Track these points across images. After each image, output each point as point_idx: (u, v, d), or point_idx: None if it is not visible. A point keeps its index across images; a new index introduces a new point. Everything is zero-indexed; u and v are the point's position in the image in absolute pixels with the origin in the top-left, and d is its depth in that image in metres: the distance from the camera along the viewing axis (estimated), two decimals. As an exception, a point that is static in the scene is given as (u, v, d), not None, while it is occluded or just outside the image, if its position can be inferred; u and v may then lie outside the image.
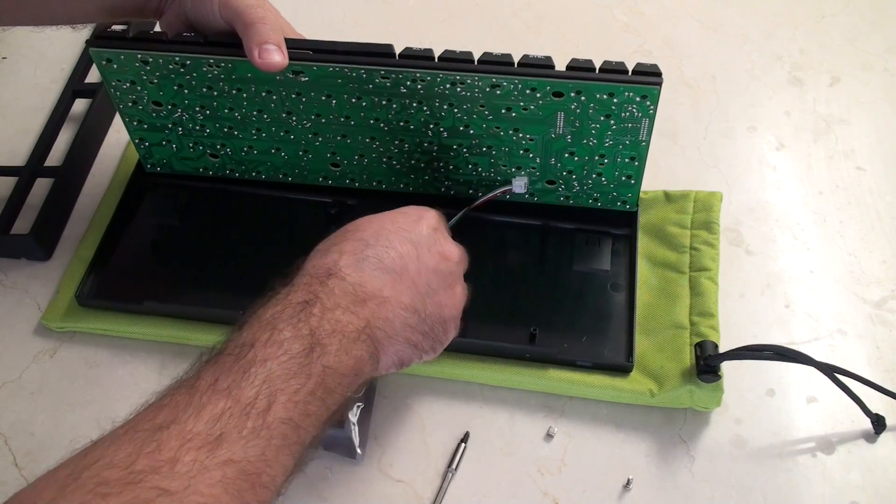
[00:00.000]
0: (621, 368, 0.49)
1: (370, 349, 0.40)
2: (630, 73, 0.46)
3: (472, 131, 0.51)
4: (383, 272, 0.41)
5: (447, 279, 0.44)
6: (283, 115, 0.52)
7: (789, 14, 0.70)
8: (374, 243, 0.42)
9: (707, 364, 0.47)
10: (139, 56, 0.50)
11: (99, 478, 0.31)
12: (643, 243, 0.55)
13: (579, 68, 0.46)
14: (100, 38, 0.50)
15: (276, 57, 0.46)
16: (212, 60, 0.49)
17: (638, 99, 0.46)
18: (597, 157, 0.51)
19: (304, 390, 0.36)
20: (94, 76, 0.68)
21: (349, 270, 0.41)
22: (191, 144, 0.56)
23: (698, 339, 0.49)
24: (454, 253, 0.45)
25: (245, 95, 0.51)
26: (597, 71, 0.46)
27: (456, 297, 0.45)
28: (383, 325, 0.41)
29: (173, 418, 0.33)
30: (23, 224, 0.58)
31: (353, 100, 0.50)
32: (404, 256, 0.42)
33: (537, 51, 0.47)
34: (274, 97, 0.51)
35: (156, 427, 0.33)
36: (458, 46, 0.48)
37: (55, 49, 0.71)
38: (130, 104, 0.53)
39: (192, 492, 0.31)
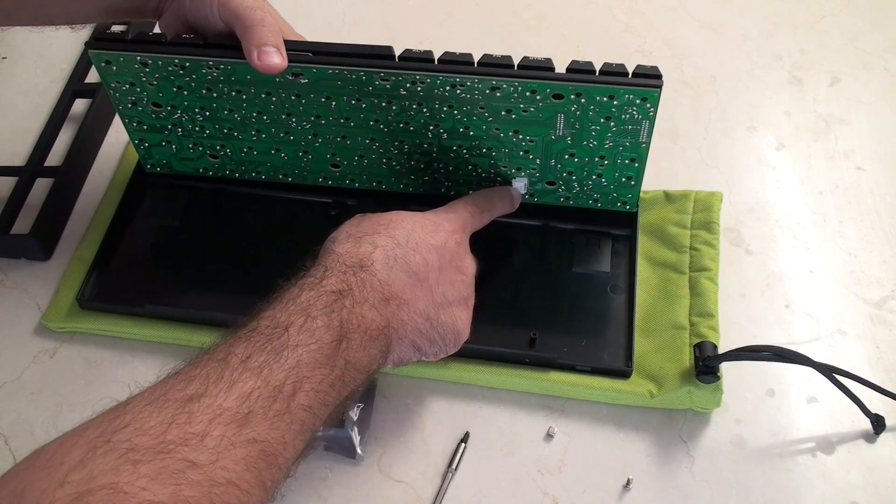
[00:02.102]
0: (620, 373, 0.49)
1: (383, 348, 0.42)
2: (630, 76, 0.46)
3: (471, 133, 0.51)
4: (407, 275, 0.43)
5: (461, 292, 0.45)
6: (283, 116, 0.52)
7: (789, 14, 0.70)
8: (405, 244, 0.43)
9: (706, 365, 0.47)
10: (138, 58, 0.50)
11: (130, 443, 0.31)
12: (643, 243, 0.55)
13: (579, 70, 0.46)
14: (98, 40, 0.50)
15: (276, 59, 0.46)
16: (211, 62, 0.49)
17: (638, 101, 0.46)
18: (597, 159, 0.51)
19: (327, 381, 0.37)
20: (93, 76, 0.68)
21: (380, 266, 0.42)
22: (190, 145, 0.56)
23: (698, 340, 0.49)
24: (470, 268, 0.46)
25: (245, 97, 0.51)
26: (597, 73, 0.46)
27: (468, 309, 0.46)
28: (398, 326, 0.42)
29: (204, 390, 0.34)
30: (23, 224, 0.58)
31: (353, 101, 0.50)
32: (428, 264, 0.43)
33: (537, 51, 0.47)
34: (273, 99, 0.51)
35: (187, 398, 0.33)
36: (458, 47, 0.47)
37: (55, 49, 0.71)
38: (130, 105, 0.53)
39: (219, 467, 0.32)
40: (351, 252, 0.42)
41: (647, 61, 0.46)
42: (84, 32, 0.55)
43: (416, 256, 0.43)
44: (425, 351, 0.44)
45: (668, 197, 0.57)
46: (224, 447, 0.33)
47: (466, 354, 0.50)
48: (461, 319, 0.45)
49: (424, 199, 0.55)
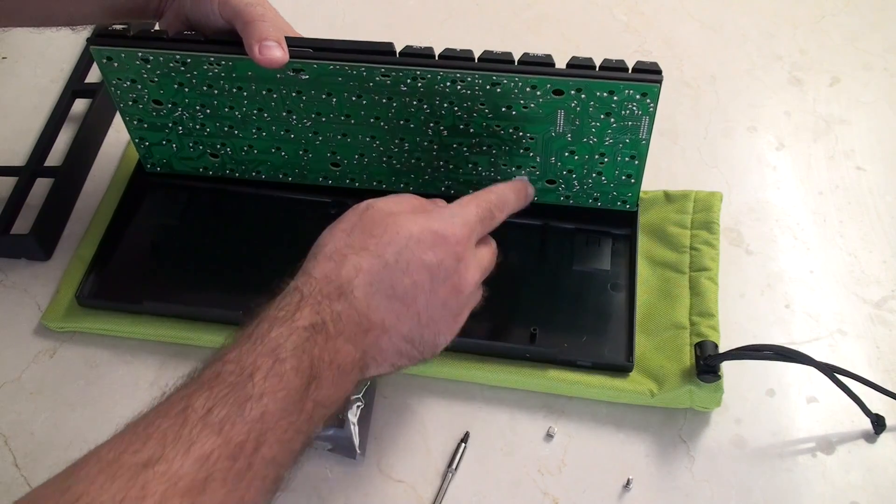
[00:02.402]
0: (621, 368, 0.49)
1: (357, 379, 0.40)
2: (630, 71, 0.46)
3: (472, 130, 0.51)
4: (391, 300, 0.40)
5: (454, 310, 0.42)
6: (284, 113, 0.52)
7: (789, 14, 0.70)
8: (393, 265, 0.40)
9: (707, 364, 0.47)
10: (140, 54, 0.50)
11: None
12: (643, 243, 0.55)
13: (580, 66, 0.46)
14: (101, 37, 0.50)
15: (277, 52, 0.46)
16: (212, 58, 0.49)
17: (638, 97, 0.46)
18: (597, 156, 0.51)
19: (293, 428, 0.35)
20: (93, 76, 0.68)
21: (360, 294, 0.39)
22: (191, 144, 0.56)
23: (698, 339, 0.49)
24: (469, 284, 0.42)
25: (245, 94, 0.51)
26: (597, 69, 0.46)
27: (457, 324, 0.43)
28: (376, 354, 0.40)
29: (161, 454, 0.31)
30: (23, 224, 0.58)
31: (354, 98, 0.50)
32: (417, 287, 0.40)
33: (537, 51, 0.47)
34: (274, 95, 0.51)
35: (142, 463, 0.31)
36: (459, 46, 0.48)
37: (55, 49, 0.71)
38: (131, 103, 0.53)
39: None
40: (331, 276, 0.39)
41: (647, 61, 0.46)
42: (84, 33, 0.55)
43: (404, 280, 0.40)
44: (403, 366, 0.42)
45: (668, 197, 0.57)
46: None
47: (467, 350, 0.50)
48: (443, 335, 0.43)
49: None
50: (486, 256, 0.44)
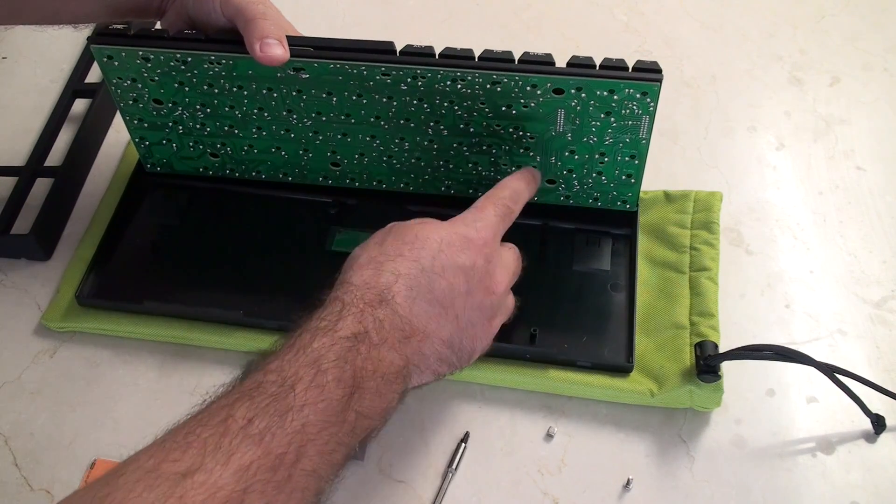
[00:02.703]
0: (621, 369, 0.49)
1: (402, 388, 0.39)
2: (630, 70, 0.46)
3: (472, 129, 0.51)
4: (431, 304, 0.40)
5: (488, 312, 0.43)
6: (284, 113, 0.52)
7: (789, 14, 0.70)
8: (429, 269, 0.40)
9: (707, 364, 0.47)
10: (140, 53, 0.50)
11: None
12: (643, 243, 0.55)
13: (580, 65, 0.46)
14: (101, 35, 0.50)
15: (278, 50, 0.46)
16: (213, 57, 0.49)
17: (638, 95, 0.46)
18: (597, 156, 0.51)
19: (334, 440, 0.35)
20: (94, 76, 0.68)
21: (401, 300, 0.39)
22: (191, 143, 0.56)
23: (698, 339, 0.49)
24: (502, 283, 0.43)
25: (246, 93, 0.51)
26: (597, 68, 0.46)
27: (492, 329, 0.44)
28: (419, 360, 0.40)
29: (200, 463, 0.31)
30: (23, 224, 0.58)
31: (354, 97, 0.50)
32: (454, 289, 0.41)
33: (537, 50, 0.47)
34: (275, 95, 0.51)
35: (182, 473, 0.31)
36: (459, 46, 0.48)
37: (55, 49, 0.71)
38: (131, 102, 0.53)
39: None
40: (370, 283, 0.39)
41: (647, 60, 0.46)
42: (85, 32, 0.55)
43: (441, 282, 0.40)
44: (443, 373, 0.42)
45: (668, 197, 0.57)
46: None
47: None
48: (480, 340, 0.43)
49: (424, 199, 0.56)
50: (511, 259, 0.45)
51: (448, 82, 0.48)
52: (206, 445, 0.32)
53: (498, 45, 0.48)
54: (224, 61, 0.49)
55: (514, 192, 0.47)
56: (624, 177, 0.52)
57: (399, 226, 0.43)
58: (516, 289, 0.53)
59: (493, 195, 0.46)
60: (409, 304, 0.40)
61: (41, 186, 0.60)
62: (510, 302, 0.46)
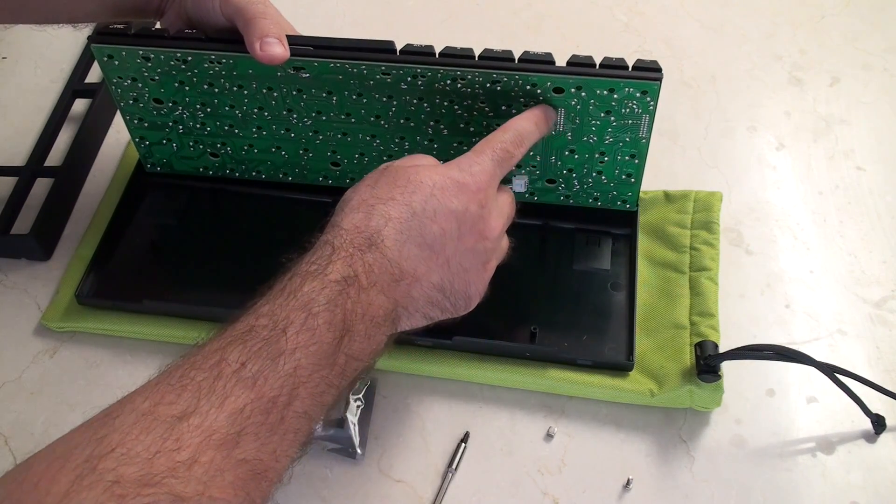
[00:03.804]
0: (621, 367, 0.49)
1: (390, 330, 0.40)
2: (630, 69, 0.46)
3: (472, 129, 0.51)
4: (421, 248, 0.40)
5: (481, 257, 0.43)
6: (284, 112, 0.52)
7: (789, 14, 0.70)
8: (421, 213, 0.40)
9: (707, 364, 0.47)
10: (140, 52, 0.50)
11: (116, 473, 0.30)
12: (643, 243, 0.55)
13: (580, 64, 0.46)
14: (101, 34, 0.50)
15: (278, 49, 0.46)
16: (213, 57, 0.49)
17: (638, 94, 0.46)
18: (597, 155, 0.51)
19: (325, 382, 0.36)
20: (94, 76, 0.68)
21: (391, 243, 0.39)
22: (191, 143, 0.56)
23: (698, 339, 0.49)
24: (495, 229, 0.43)
25: (246, 92, 0.51)
26: (597, 67, 0.46)
27: (486, 273, 0.44)
28: (408, 303, 0.40)
29: (195, 407, 0.32)
30: (23, 224, 0.58)
31: (354, 97, 0.50)
32: (446, 234, 0.41)
33: (537, 50, 0.47)
34: (275, 94, 0.51)
35: (176, 416, 0.31)
36: (459, 45, 0.48)
37: (55, 49, 0.71)
38: (131, 101, 0.53)
39: (206, 497, 0.31)
40: (360, 227, 0.39)
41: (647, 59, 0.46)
42: (85, 32, 0.55)
43: (432, 227, 0.40)
44: (435, 317, 0.43)
45: (668, 197, 0.57)
46: (212, 474, 0.31)
47: (467, 349, 0.50)
48: (474, 284, 0.43)
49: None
50: (506, 203, 0.45)
51: (448, 81, 0.48)
52: (201, 388, 0.32)
53: (498, 45, 0.48)
54: (224, 61, 0.49)
55: (517, 134, 0.45)
56: (624, 176, 0.52)
57: (392, 167, 0.42)
58: (516, 287, 0.53)
59: (494, 138, 0.44)
60: (399, 248, 0.40)
61: (41, 186, 0.60)
62: (504, 244, 0.45)
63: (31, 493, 0.29)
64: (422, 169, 0.42)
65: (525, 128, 0.46)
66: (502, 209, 0.44)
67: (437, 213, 0.41)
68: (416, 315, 0.42)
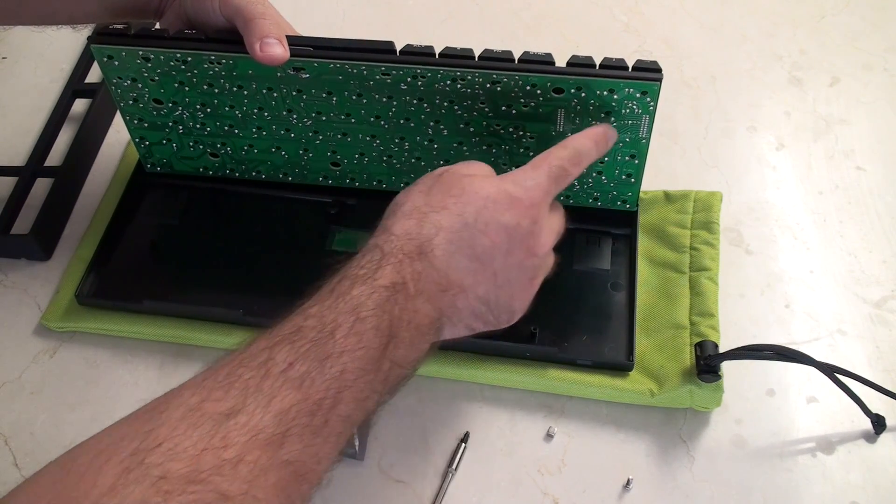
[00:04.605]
0: (622, 367, 0.49)
1: (433, 339, 0.40)
2: (630, 70, 0.46)
3: (472, 129, 0.51)
4: (470, 260, 0.40)
5: (528, 272, 0.43)
6: (284, 112, 0.52)
7: (789, 14, 0.70)
8: (472, 223, 0.40)
9: (707, 364, 0.47)
10: (140, 53, 0.50)
11: (163, 469, 0.30)
12: (643, 243, 0.55)
13: (580, 64, 0.46)
14: (101, 35, 0.50)
15: (278, 49, 0.46)
16: (213, 57, 0.49)
17: (638, 95, 0.46)
18: (597, 156, 0.51)
19: (369, 388, 0.36)
20: (93, 76, 0.68)
21: (440, 253, 0.39)
22: (191, 143, 0.56)
23: (698, 339, 0.49)
24: (545, 246, 0.43)
25: (246, 93, 0.51)
26: (597, 67, 0.46)
27: (532, 288, 0.44)
28: (452, 314, 0.41)
29: (242, 406, 0.32)
30: (23, 224, 0.58)
31: (354, 97, 0.50)
32: (495, 247, 0.40)
33: (537, 51, 0.47)
34: (275, 94, 0.51)
35: (224, 413, 0.32)
36: (459, 45, 0.48)
37: (55, 49, 0.71)
38: (131, 102, 0.53)
39: (250, 497, 0.31)
40: (412, 234, 0.39)
41: (647, 59, 0.46)
42: (84, 32, 0.55)
43: (483, 239, 0.40)
44: (478, 329, 0.43)
45: (668, 197, 0.57)
46: (257, 474, 0.31)
47: (467, 349, 0.50)
48: (519, 300, 0.43)
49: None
50: (557, 221, 0.45)
51: (448, 82, 0.48)
52: (248, 387, 0.33)
53: (497, 45, 0.48)
54: (224, 61, 0.49)
55: (575, 152, 0.44)
56: (624, 176, 0.52)
57: (448, 173, 0.42)
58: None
59: (552, 154, 0.44)
60: (448, 259, 0.40)
61: (41, 186, 0.60)
62: (551, 261, 0.45)
63: (78, 485, 0.29)
64: (476, 179, 0.42)
65: (584, 146, 0.45)
66: (553, 226, 0.44)
67: (489, 226, 0.40)
68: (459, 326, 0.42)
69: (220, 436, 0.31)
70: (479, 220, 0.40)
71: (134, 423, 0.32)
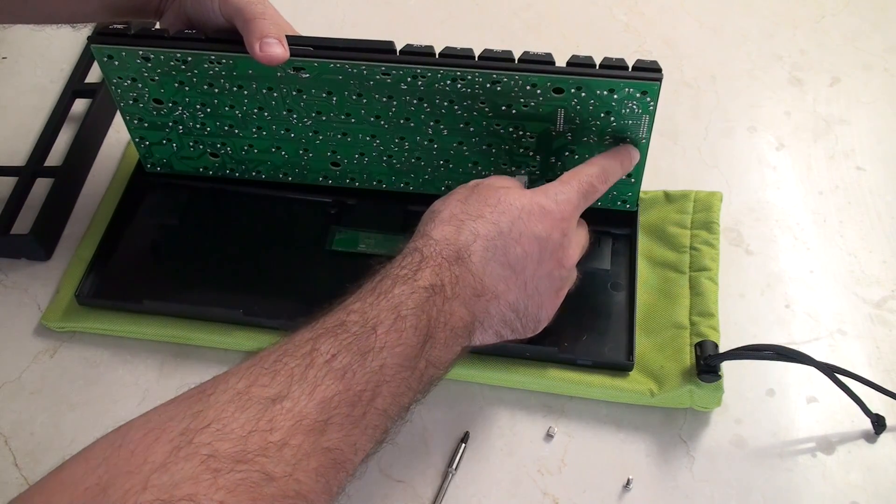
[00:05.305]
0: (622, 367, 0.49)
1: (466, 342, 0.41)
2: (630, 69, 0.46)
3: (472, 129, 0.51)
4: (504, 267, 0.42)
5: (556, 283, 0.45)
6: (284, 112, 0.52)
7: (789, 14, 0.70)
8: (507, 233, 0.42)
9: (707, 364, 0.47)
10: (140, 52, 0.50)
11: (211, 447, 0.31)
12: (643, 243, 0.55)
13: (580, 64, 0.46)
14: (101, 35, 0.50)
15: (278, 49, 0.46)
16: (213, 57, 0.49)
17: (638, 95, 0.46)
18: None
19: (405, 384, 0.37)
20: (93, 76, 0.68)
21: (477, 259, 0.41)
22: (191, 143, 0.56)
23: (698, 339, 0.49)
24: (572, 258, 0.45)
25: (246, 93, 0.51)
26: (597, 67, 0.46)
27: (557, 299, 0.46)
28: (484, 319, 0.42)
29: (287, 392, 0.33)
30: (23, 224, 0.58)
31: (354, 97, 0.50)
32: (528, 256, 0.42)
33: (537, 50, 0.47)
34: (275, 94, 0.51)
35: (270, 398, 0.33)
36: (458, 46, 0.48)
37: (55, 49, 0.71)
38: (131, 102, 0.53)
39: (293, 479, 0.32)
40: (450, 239, 0.41)
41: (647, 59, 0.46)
42: (84, 32, 0.55)
43: (516, 248, 0.42)
44: (505, 336, 0.44)
45: (668, 197, 0.57)
46: (300, 458, 0.32)
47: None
48: (545, 309, 0.45)
49: (425, 199, 0.55)
50: (583, 236, 0.47)
51: (448, 82, 0.48)
52: (293, 374, 0.34)
53: (497, 45, 0.48)
54: (224, 61, 0.49)
55: (602, 170, 0.46)
56: (624, 176, 0.52)
57: (484, 185, 0.44)
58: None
59: (581, 171, 0.46)
60: (483, 265, 0.41)
61: (41, 186, 0.60)
62: (575, 274, 0.47)
63: (129, 460, 0.30)
64: (511, 191, 0.43)
65: (611, 165, 0.47)
66: (580, 240, 0.46)
67: (522, 236, 0.42)
68: (489, 331, 0.43)
69: (266, 419, 0.32)
70: (514, 230, 0.42)
71: (181, 405, 0.33)
